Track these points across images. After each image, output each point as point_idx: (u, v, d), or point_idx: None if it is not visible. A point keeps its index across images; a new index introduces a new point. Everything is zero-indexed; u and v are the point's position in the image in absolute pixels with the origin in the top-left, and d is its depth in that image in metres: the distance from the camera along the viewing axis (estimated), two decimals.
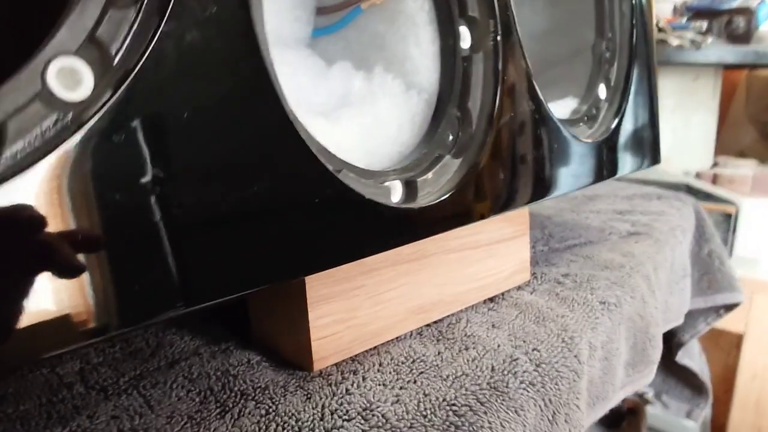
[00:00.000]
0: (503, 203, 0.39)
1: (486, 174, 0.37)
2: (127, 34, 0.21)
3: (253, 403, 0.29)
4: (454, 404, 0.30)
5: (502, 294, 0.46)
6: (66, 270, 0.20)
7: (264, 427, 0.27)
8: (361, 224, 0.29)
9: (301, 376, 0.32)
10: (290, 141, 0.26)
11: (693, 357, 0.96)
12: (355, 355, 0.35)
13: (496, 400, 0.32)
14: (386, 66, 0.41)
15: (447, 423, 0.29)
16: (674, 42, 1.22)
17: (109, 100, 0.20)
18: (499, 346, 0.37)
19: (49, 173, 0.19)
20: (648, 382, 0.54)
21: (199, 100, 0.23)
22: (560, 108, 0.57)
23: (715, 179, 1.37)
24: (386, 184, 0.33)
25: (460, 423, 0.29)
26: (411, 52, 0.40)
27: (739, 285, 0.84)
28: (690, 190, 1.33)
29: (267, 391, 0.30)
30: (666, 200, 0.85)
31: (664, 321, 0.66)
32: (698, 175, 1.40)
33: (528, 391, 0.34)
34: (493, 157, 0.38)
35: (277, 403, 0.29)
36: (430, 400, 0.30)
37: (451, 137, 0.38)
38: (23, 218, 0.19)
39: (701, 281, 0.84)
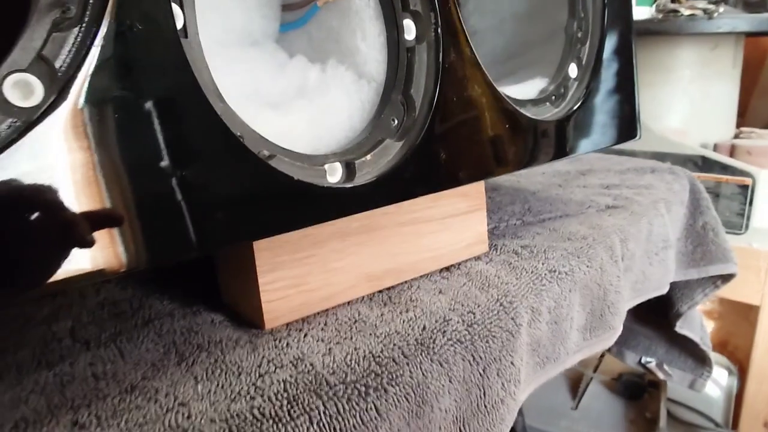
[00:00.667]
0: (443, 182, 0.43)
1: (424, 154, 0.41)
2: (69, 54, 0.26)
3: (206, 353, 0.35)
4: (379, 357, 0.35)
5: (458, 264, 0.50)
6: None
7: (211, 372, 0.33)
8: (289, 202, 0.33)
9: (254, 333, 0.37)
10: (218, 134, 0.30)
11: (693, 328, 0.98)
12: (306, 317, 0.40)
13: (421, 354, 0.36)
14: (340, 58, 0.45)
15: (368, 371, 0.34)
16: (686, 12, 1.21)
17: (54, 104, 0.25)
18: (437, 309, 0.41)
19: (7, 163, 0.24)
20: (607, 345, 0.57)
21: (131, 101, 0.27)
22: (526, 88, 0.60)
23: (732, 151, 1.35)
24: (325, 165, 0.37)
25: (380, 371, 0.34)
26: (360, 45, 0.44)
27: (733, 256, 0.85)
28: (705, 162, 1.33)
29: (220, 345, 0.36)
30: (659, 174, 0.86)
31: (640, 290, 0.68)
32: (716, 147, 1.39)
33: (455, 347, 0.38)
34: (432, 139, 0.42)
35: (225, 353, 0.35)
36: (358, 353, 0.35)
37: (395, 122, 0.42)
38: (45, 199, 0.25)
39: (695, 253, 0.86)
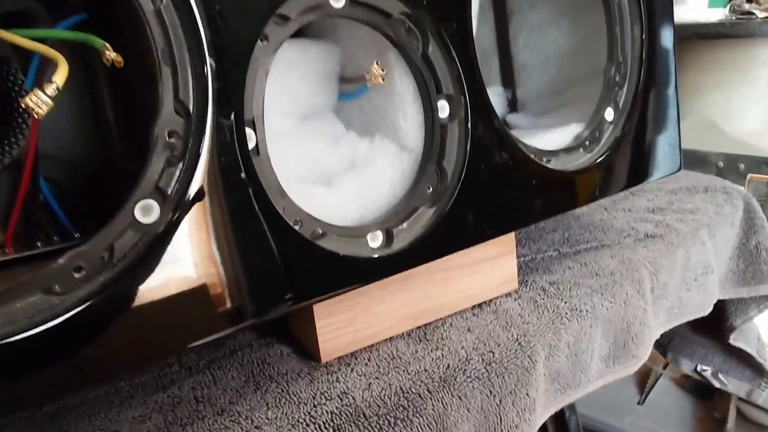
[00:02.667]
0: (471, 240, 0.51)
1: (454, 218, 0.49)
2: (178, 182, 0.36)
3: (275, 384, 0.45)
4: (408, 392, 0.44)
5: (489, 301, 0.58)
6: None
7: (278, 401, 0.43)
8: (337, 272, 0.43)
9: (312, 365, 0.48)
10: (279, 225, 0.40)
11: (750, 340, 0.99)
12: (354, 352, 0.50)
13: (443, 390, 0.45)
14: (385, 132, 0.53)
15: (398, 405, 0.43)
16: (761, 14, 1.17)
17: (171, 219, 0.36)
18: (463, 348, 0.50)
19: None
20: (631, 372, 0.63)
21: (220, 211, 0.38)
22: (562, 134, 0.65)
23: None
24: (368, 235, 0.47)
25: (407, 405, 0.43)
26: (401, 122, 0.52)
27: None
28: None
29: (286, 377, 0.46)
30: (711, 194, 0.88)
31: (676, 315, 0.73)
32: None
33: (473, 384, 0.46)
34: (461, 204, 0.50)
35: (290, 384, 0.45)
36: (391, 389, 0.44)
37: (430, 190, 0.51)
38: None
39: (746, 272, 0.87)
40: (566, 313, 0.55)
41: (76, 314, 0.33)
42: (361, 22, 0.46)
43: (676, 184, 0.94)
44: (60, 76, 0.32)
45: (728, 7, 1.25)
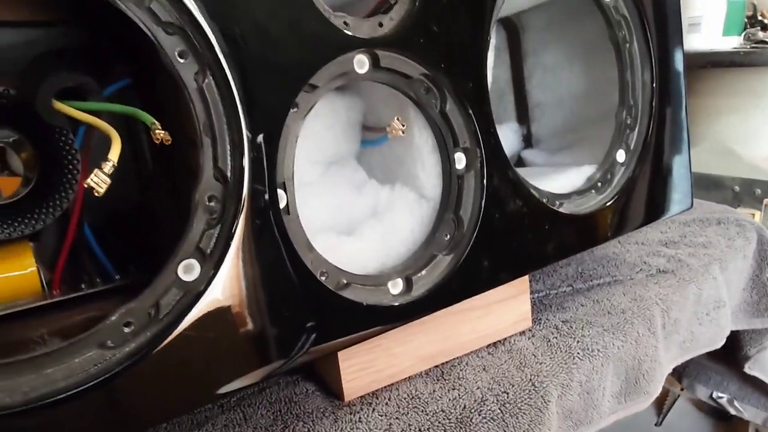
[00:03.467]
0: (486, 285, 0.54)
1: (470, 265, 0.52)
2: (216, 242, 0.40)
3: (302, 423, 0.48)
4: None
5: (504, 340, 0.60)
6: None
7: None
8: (363, 320, 0.46)
9: (336, 404, 0.51)
10: (307, 278, 0.43)
11: (765, 369, 1.00)
12: (375, 391, 0.52)
13: (459, 431, 0.48)
14: (404, 180, 0.57)
15: None
16: None
17: (210, 277, 0.40)
18: (478, 388, 0.52)
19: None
20: (643, 407, 0.65)
21: (252, 268, 0.41)
22: (574, 177, 0.68)
23: None
24: (389, 283, 0.50)
25: None
26: (419, 173, 0.55)
27: None
28: None
29: (311, 415, 0.49)
30: (724, 226, 0.90)
31: (689, 349, 0.75)
32: None
33: (488, 425, 0.49)
34: (477, 251, 0.53)
35: (315, 423, 0.48)
36: (411, 429, 0.47)
37: (447, 237, 0.53)
38: None
39: (760, 303, 0.89)
40: (578, 353, 0.58)
41: (125, 366, 0.37)
42: (383, 83, 0.50)
43: (690, 216, 0.96)
44: (115, 153, 0.36)
45: (742, 35, 1.27)
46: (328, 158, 0.61)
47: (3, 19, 0.48)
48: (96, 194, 0.35)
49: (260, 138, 0.40)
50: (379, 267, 0.51)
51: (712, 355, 1.08)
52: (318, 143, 0.59)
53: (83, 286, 0.54)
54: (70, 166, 0.48)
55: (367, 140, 0.62)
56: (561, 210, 0.61)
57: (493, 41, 0.74)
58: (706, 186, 1.42)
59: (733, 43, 1.26)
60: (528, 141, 0.87)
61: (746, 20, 1.28)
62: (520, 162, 0.85)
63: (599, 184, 0.67)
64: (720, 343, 0.80)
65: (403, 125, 0.52)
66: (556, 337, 0.60)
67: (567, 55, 0.79)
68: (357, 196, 0.57)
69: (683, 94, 0.72)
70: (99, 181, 0.34)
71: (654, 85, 0.67)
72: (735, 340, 0.95)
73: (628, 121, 0.69)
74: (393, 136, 0.54)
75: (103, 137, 0.40)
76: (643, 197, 0.69)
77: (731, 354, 1.00)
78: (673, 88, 0.70)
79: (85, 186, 0.35)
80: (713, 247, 0.83)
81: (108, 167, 0.35)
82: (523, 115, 0.87)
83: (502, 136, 0.82)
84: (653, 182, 0.70)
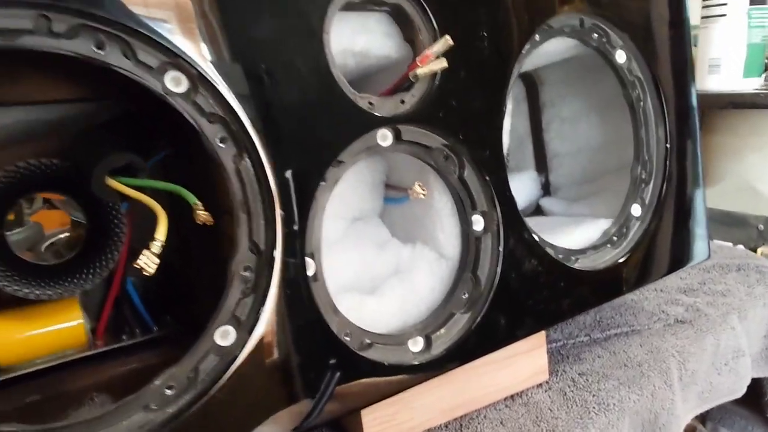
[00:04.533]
0: (502, 342, 0.56)
1: (487, 323, 0.55)
2: (250, 310, 0.43)
3: None
4: None
5: (521, 392, 0.62)
6: None
7: None
8: (384, 379, 0.49)
9: None
10: (333, 342, 0.46)
11: None
12: None
13: None
14: (424, 240, 0.60)
15: None
16: None
17: (244, 342, 0.43)
18: None
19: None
20: None
21: (283, 335, 0.44)
22: (590, 230, 0.70)
23: None
24: (409, 341, 0.52)
25: None
26: (439, 234, 0.58)
27: None
28: None
29: None
30: (744, 273, 0.90)
31: (707, 399, 0.75)
32: None
33: None
34: (494, 309, 0.55)
35: None
36: None
37: (465, 295, 0.56)
38: None
39: None
40: (594, 407, 0.59)
41: (168, 428, 0.40)
42: (405, 153, 0.53)
43: (710, 261, 0.96)
44: (162, 232, 0.40)
45: (763, 76, 1.28)
46: (353, 215, 0.64)
47: (55, 97, 0.53)
48: (146, 274, 0.39)
49: (292, 214, 0.44)
50: (400, 325, 0.54)
51: (737, 400, 1.08)
52: (342, 201, 0.63)
53: (124, 337, 0.58)
54: (117, 230, 0.52)
55: (389, 198, 0.66)
56: (576, 266, 0.63)
57: (510, 97, 0.77)
58: (729, 224, 1.42)
59: (754, 84, 1.27)
60: (546, 189, 0.89)
61: (766, 62, 1.29)
62: (539, 210, 0.87)
63: (615, 238, 0.69)
64: (741, 392, 0.80)
65: (424, 190, 0.55)
66: (572, 390, 0.62)
67: (584, 108, 0.82)
68: (379, 254, 0.60)
69: (698, 151, 0.74)
70: (148, 261, 0.38)
71: (668, 143, 0.69)
72: (757, 387, 0.94)
73: (643, 176, 0.72)
74: (414, 198, 0.57)
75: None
76: (659, 251, 0.70)
77: (755, 399, 0.99)
78: (687, 145, 0.73)
79: (136, 266, 0.38)
80: (732, 295, 0.83)
81: (156, 247, 0.39)
82: (541, 164, 0.89)
83: (522, 185, 0.85)
84: (669, 235, 0.71)
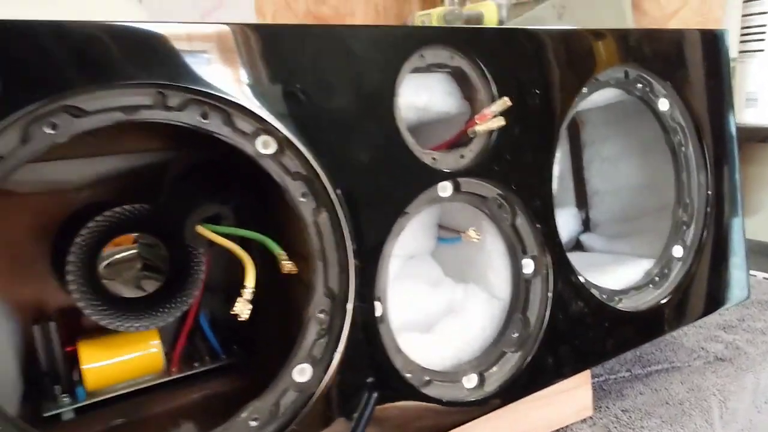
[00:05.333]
0: (550, 380, 0.59)
1: (536, 362, 0.58)
2: (325, 349, 0.48)
3: None
4: None
5: (566, 427, 0.65)
6: None
7: None
8: (443, 415, 0.52)
9: None
10: (398, 380, 0.50)
11: None
12: None
13: None
14: (476, 280, 0.63)
15: None
16: None
17: (320, 379, 0.47)
18: None
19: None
20: None
21: (353, 379, 0.48)
22: (632, 271, 0.73)
23: None
24: (464, 378, 0.56)
25: None
26: (490, 275, 0.62)
27: None
28: None
29: None
30: None
31: None
32: None
33: None
34: (542, 349, 0.58)
35: None
36: None
37: (515, 335, 0.60)
38: None
39: None
40: None
41: None
42: (462, 202, 0.57)
43: (750, 297, 0.98)
44: (250, 280, 0.44)
45: None
46: (407, 253, 0.68)
47: (146, 148, 0.58)
48: (240, 320, 0.43)
49: (364, 264, 0.48)
50: (454, 362, 0.58)
51: None
52: (400, 241, 0.67)
53: (196, 364, 0.63)
54: (197, 269, 0.57)
55: (442, 238, 0.70)
56: (620, 307, 0.66)
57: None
58: (766, 255, 1.42)
59: None
60: (586, 225, 0.92)
61: None
62: (579, 245, 0.90)
63: (657, 279, 0.72)
64: None
65: (479, 235, 0.59)
66: (616, 427, 0.65)
67: (625, 150, 0.85)
68: (433, 293, 0.64)
69: (738, 196, 0.76)
70: (242, 308, 0.43)
71: (709, 189, 0.71)
72: None
73: (685, 219, 0.74)
74: (467, 241, 0.61)
75: None
76: (699, 291, 0.73)
77: None
78: (728, 190, 0.75)
79: (231, 313, 0.43)
80: None
81: (247, 294, 0.44)
82: (581, 201, 0.92)
83: (562, 220, 0.88)
84: (709, 277, 0.74)
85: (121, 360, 0.59)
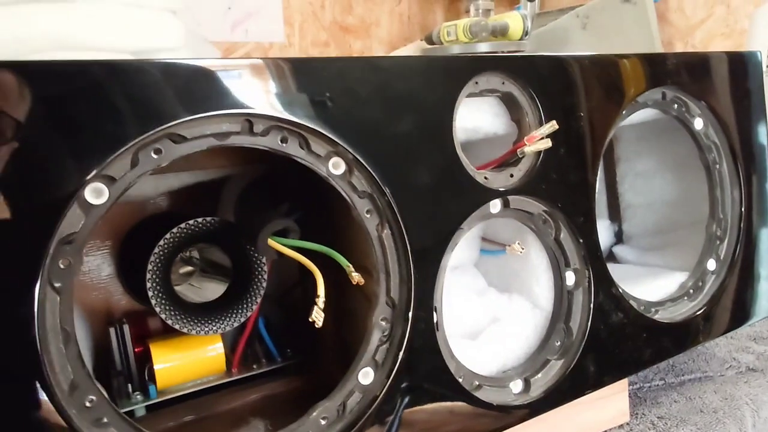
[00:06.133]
0: (591, 387, 0.62)
1: (578, 370, 0.61)
2: (387, 354, 0.52)
3: None
4: None
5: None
6: None
7: None
8: (493, 418, 0.56)
9: None
10: (451, 383, 0.54)
11: None
12: None
13: None
14: (519, 290, 0.67)
15: None
16: None
17: (383, 382, 0.51)
18: None
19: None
20: None
21: (411, 374, 0.52)
22: (667, 283, 0.76)
23: None
24: (510, 384, 0.59)
25: None
26: (534, 286, 0.65)
27: None
28: None
29: None
30: None
31: None
32: None
33: None
34: (584, 358, 0.62)
35: None
36: None
37: (558, 344, 0.63)
38: None
39: None
40: None
41: None
42: (510, 218, 0.61)
43: None
44: (321, 289, 0.49)
45: None
46: (453, 263, 0.72)
47: (217, 165, 0.63)
48: (316, 326, 0.47)
49: (423, 276, 0.52)
50: (499, 368, 0.62)
51: None
52: None
53: (255, 366, 0.68)
54: (260, 277, 0.61)
55: (486, 250, 0.73)
56: (657, 318, 0.69)
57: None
58: None
59: None
60: (619, 237, 0.95)
61: None
62: (612, 256, 0.93)
63: (691, 291, 0.75)
64: None
65: (523, 248, 0.62)
66: None
67: (658, 165, 0.88)
68: (479, 303, 0.68)
69: None
70: (317, 316, 0.47)
71: (742, 207, 0.74)
72: None
73: (718, 234, 0.77)
74: (511, 254, 0.65)
75: None
76: (732, 304, 0.75)
77: None
78: (760, 206, 0.78)
79: (310, 320, 0.47)
80: None
81: (320, 302, 0.48)
82: (615, 214, 0.95)
83: None
84: (743, 289, 0.76)
85: (188, 361, 0.64)
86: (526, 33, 2.47)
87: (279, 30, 2.90)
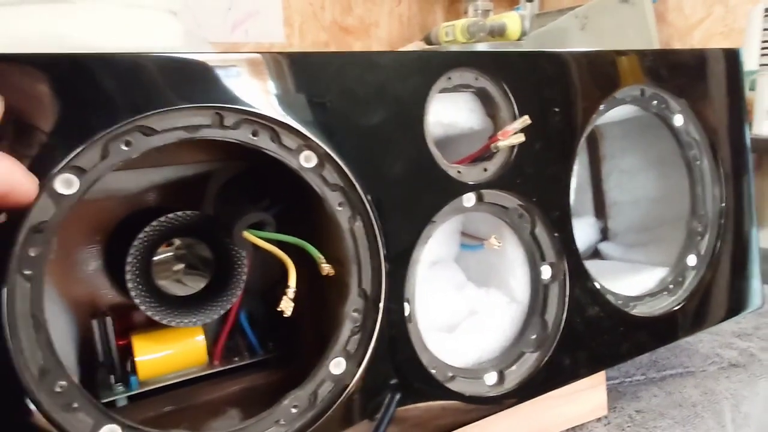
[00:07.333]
0: (567, 379, 0.63)
1: (554, 362, 0.62)
2: (358, 345, 0.52)
3: None
4: None
5: (581, 425, 0.69)
6: None
7: None
8: (465, 409, 0.57)
9: None
10: (423, 374, 0.55)
11: None
12: None
13: None
14: (497, 285, 0.68)
15: None
16: None
17: (353, 372, 0.52)
18: None
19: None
20: None
21: (381, 375, 0.53)
22: (647, 278, 0.77)
23: None
24: (485, 375, 0.60)
25: None
26: (510, 280, 0.66)
27: None
28: None
29: None
30: None
31: None
32: None
33: None
34: (560, 350, 0.62)
35: None
36: None
37: (533, 337, 0.64)
38: None
39: None
40: None
41: None
42: (484, 212, 0.61)
43: (765, 306, 1.00)
44: (293, 280, 0.49)
45: None
46: (433, 259, 0.73)
47: (197, 159, 0.64)
48: (285, 315, 0.48)
49: (394, 265, 0.53)
50: (475, 360, 0.62)
51: None
52: (426, 247, 0.71)
53: (236, 359, 0.69)
54: (239, 270, 0.62)
55: (465, 245, 0.74)
56: (634, 312, 0.70)
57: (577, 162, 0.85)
58: None
59: None
60: (605, 234, 0.95)
61: None
62: (597, 254, 0.94)
63: (671, 286, 0.75)
64: None
65: (500, 242, 0.63)
66: (630, 426, 0.68)
67: (643, 163, 0.88)
68: (457, 297, 0.68)
69: (752, 208, 0.79)
70: (287, 306, 0.48)
71: (723, 202, 0.75)
72: None
73: (699, 229, 0.78)
74: (489, 248, 0.65)
75: None
76: (713, 299, 0.76)
77: None
78: (742, 201, 0.78)
79: (277, 310, 0.48)
80: None
81: (291, 293, 0.49)
82: (600, 211, 0.96)
83: (581, 230, 0.92)
84: (723, 285, 0.77)
85: (169, 353, 0.65)
86: (524, 33, 2.47)
87: (279, 30, 2.92)
